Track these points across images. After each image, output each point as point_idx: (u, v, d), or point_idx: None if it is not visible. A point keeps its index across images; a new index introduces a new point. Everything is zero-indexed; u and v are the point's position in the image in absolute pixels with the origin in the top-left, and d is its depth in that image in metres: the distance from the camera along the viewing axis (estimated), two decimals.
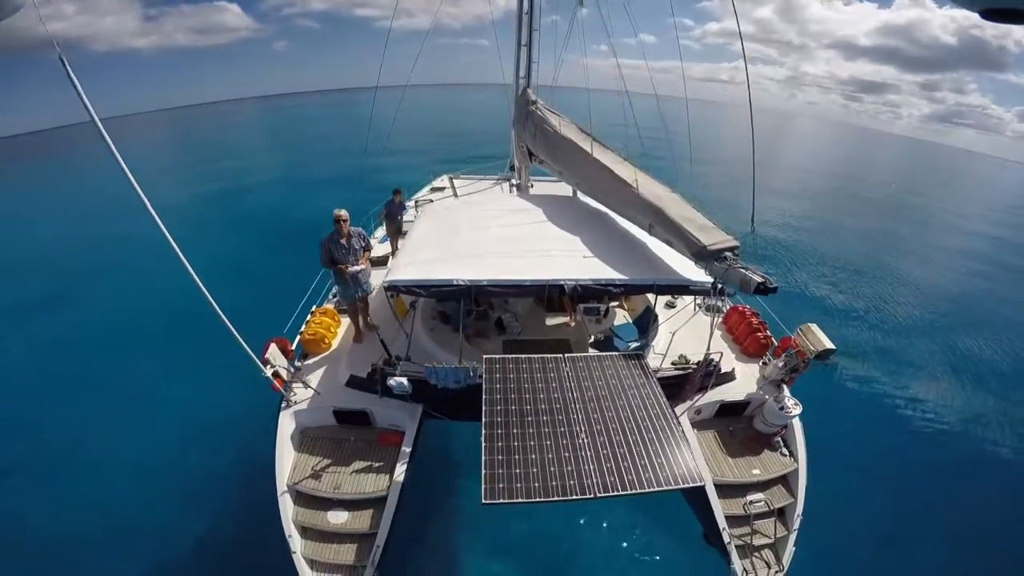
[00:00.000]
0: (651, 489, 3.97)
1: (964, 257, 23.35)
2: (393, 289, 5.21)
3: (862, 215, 30.54)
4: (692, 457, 4.26)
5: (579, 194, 8.09)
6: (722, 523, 5.02)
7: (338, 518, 4.99)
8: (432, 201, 11.24)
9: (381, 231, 10.37)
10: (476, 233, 6.27)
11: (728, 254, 4.81)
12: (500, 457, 4.18)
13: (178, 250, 4.06)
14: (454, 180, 14.39)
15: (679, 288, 5.50)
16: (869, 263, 19.97)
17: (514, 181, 12.73)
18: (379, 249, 9.23)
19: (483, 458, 4.13)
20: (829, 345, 5.99)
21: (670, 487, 4.00)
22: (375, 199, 11.16)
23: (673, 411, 4.82)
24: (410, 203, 11.35)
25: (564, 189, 9.15)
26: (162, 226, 3.97)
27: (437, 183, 14.40)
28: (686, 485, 4.02)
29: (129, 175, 3.78)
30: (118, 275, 16.17)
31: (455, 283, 5.09)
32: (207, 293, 4.34)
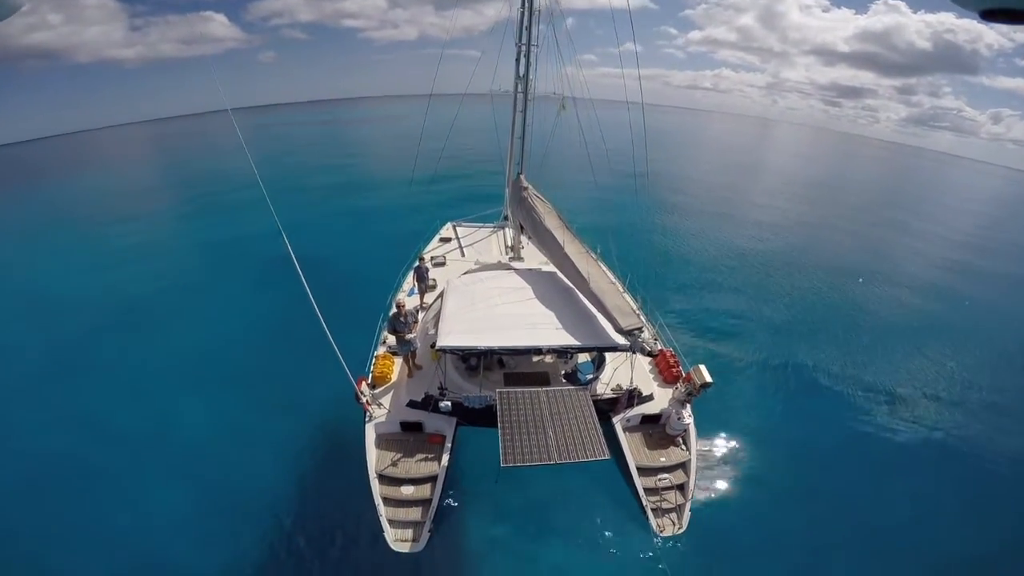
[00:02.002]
0: (581, 459, 7.19)
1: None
2: (441, 350, 8.45)
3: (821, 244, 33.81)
4: (604, 447, 7.44)
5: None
6: (642, 493, 8.25)
7: (407, 491, 8.10)
8: (444, 258, 14.47)
9: (407, 285, 13.17)
10: (488, 311, 9.39)
11: (636, 331, 8.21)
12: (508, 442, 7.38)
13: (319, 312, 7.37)
14: (457, 228, 17.46)
15: (610, 348, 8.79)
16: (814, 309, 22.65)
17: (508, 241, 15.58)
18: (409, 303, 12.02)
19: (500, 442, 7.32)
20: (708, 380, 9.03)
21: (590, 459, 7.23)
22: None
23: (600, 423, 7.94)
24: (426, 256, 14.05)
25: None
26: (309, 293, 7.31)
27: (444, 233, 17.28)
28: (594, 459, 7.26)
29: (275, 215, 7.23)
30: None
31: (478, 348, 8.38)
32: (338, 351, 7.62)
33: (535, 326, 8.88)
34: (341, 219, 32.12)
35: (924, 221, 48.92)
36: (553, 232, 10.81)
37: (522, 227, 13.10)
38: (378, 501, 7.82)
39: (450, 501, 8.86)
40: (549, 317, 9.13)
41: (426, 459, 8.45)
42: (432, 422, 8.85)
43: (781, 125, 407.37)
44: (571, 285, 10.08)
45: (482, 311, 9.33)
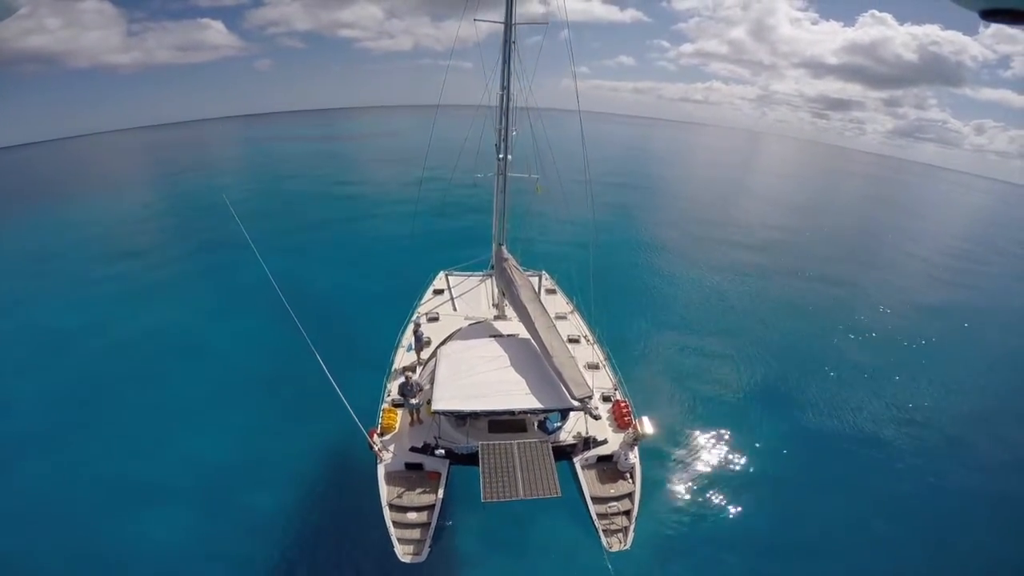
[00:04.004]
0: (540, 496, 9.68)
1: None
2: (437, 412, 10.87)
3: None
4: (557, 486, 9.92)
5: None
6: (595, 517, 10.57)
7: (411, 516, 10.39)
8: (437, 314, 16.70)
9: (406, 340, 15.16)
10: (473, 378, 11.71)
11: (586, 398, 10.71)
12: (488, 482, 9.83)
13: (330, 376, 9.79)
14: (449, 277, 19.38)
15: (569, 409, 11.28)
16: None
17: (494, 298, 17.29)
18: (406, 359, 14.54)
19: (481, 481, 9.81)
20: (648, 431, 11.28)
21: (546, 495, 9.72)
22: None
23: (562, 462, 10.53)
24: (422, 315, 16.52)
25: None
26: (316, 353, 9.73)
27: (437, 283, 19.22)
28: (549, 496, 9.75)
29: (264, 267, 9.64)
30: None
31: (465, 411, 10.86)
32: (349, 407, 9.97)
33: (510, 392, 11.36)
34: (342, 265, 33.07)
35: (914, 254, 48.92)
36: (527, 306, 13.25)
37: (504, 294, 15.54)
38: (389, 524, 10.10)
39: (445, 523, 11.27)
40: (521, 384, 11.60)
41: (425, 491, 10.76)
42: (430, 463, 11.19)
43: (771, 138, 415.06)
44: (540, 353, 12.51)
45: (468, 378, 11.74)
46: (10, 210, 58.97)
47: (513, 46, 14.13)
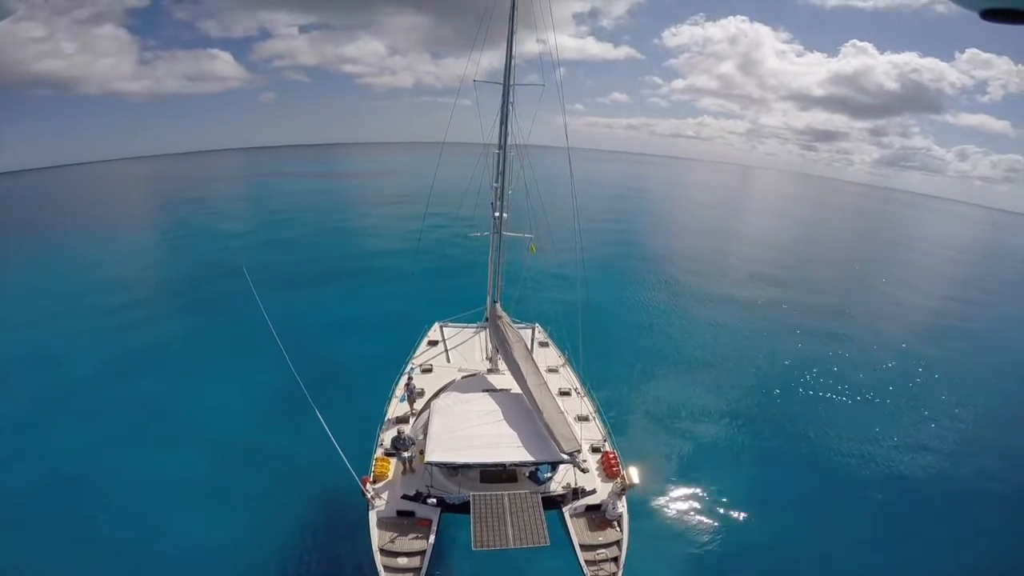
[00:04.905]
0: (529, 545, 10.22)
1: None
2: (430, 463, 11.43)
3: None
4: (547, 536, 10.44)
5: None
6: (583, 564, 10.99)
7: (403, 561, 10.72)
8: (431, 365, 17.17)
9: (399, 391, 15.52)
10: (466, 431, 12.29)
11: (575, 452, 11.33)
12: (479, 531, 10.31)
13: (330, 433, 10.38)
14: (444, 329, 19.79)
15: (558, 463, 11.87)
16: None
17: (488, 352, 17.75)
18: (400, 409, 14.98)
19: (472, 530, 10.31)
20: (635, 482, 11.83)
21: (535, 545, 10.27)
22: None
23: (552, 511, 11.10)
24: (416, 367, 17.03)
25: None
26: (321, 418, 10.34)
27: (432, 335, 19.57)
28: (538, 545, 10.30)
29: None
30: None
31: (458, 463, 11.41)
32: (343, 455, 10.56)
33: (502, 445, 11.96)
34: (339, 314, 32.97)
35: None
36: (519, 363, 13.95)
37: (497, 350, 16.24)
38: (380, 568, 10.43)
39: (435, 571, 11.67)
40: (513, 437, 12.20)
41: (417, 538, 11.16)
42: (422, 510, 11.62)
43: (761, 172, 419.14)
44: (531, 408, 13.10)
45: (461, 431, 12.33)
46: (11, 239, 59.89)
47: (511, 108, 15.20)
